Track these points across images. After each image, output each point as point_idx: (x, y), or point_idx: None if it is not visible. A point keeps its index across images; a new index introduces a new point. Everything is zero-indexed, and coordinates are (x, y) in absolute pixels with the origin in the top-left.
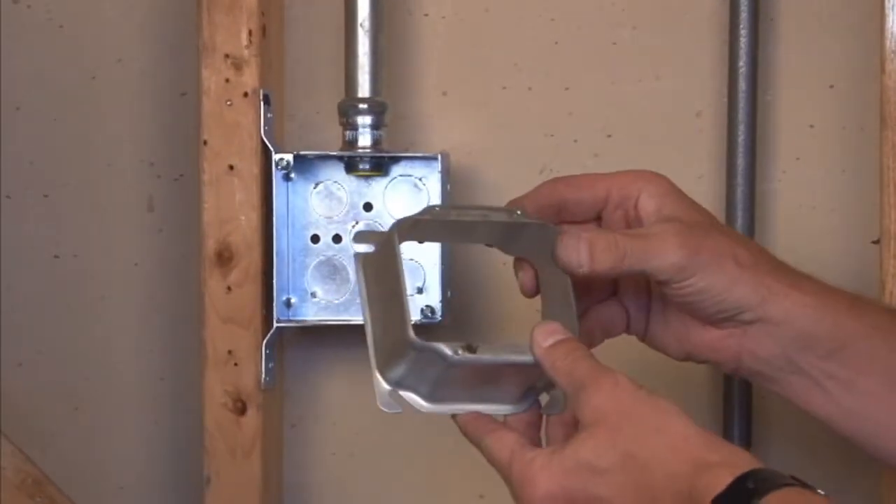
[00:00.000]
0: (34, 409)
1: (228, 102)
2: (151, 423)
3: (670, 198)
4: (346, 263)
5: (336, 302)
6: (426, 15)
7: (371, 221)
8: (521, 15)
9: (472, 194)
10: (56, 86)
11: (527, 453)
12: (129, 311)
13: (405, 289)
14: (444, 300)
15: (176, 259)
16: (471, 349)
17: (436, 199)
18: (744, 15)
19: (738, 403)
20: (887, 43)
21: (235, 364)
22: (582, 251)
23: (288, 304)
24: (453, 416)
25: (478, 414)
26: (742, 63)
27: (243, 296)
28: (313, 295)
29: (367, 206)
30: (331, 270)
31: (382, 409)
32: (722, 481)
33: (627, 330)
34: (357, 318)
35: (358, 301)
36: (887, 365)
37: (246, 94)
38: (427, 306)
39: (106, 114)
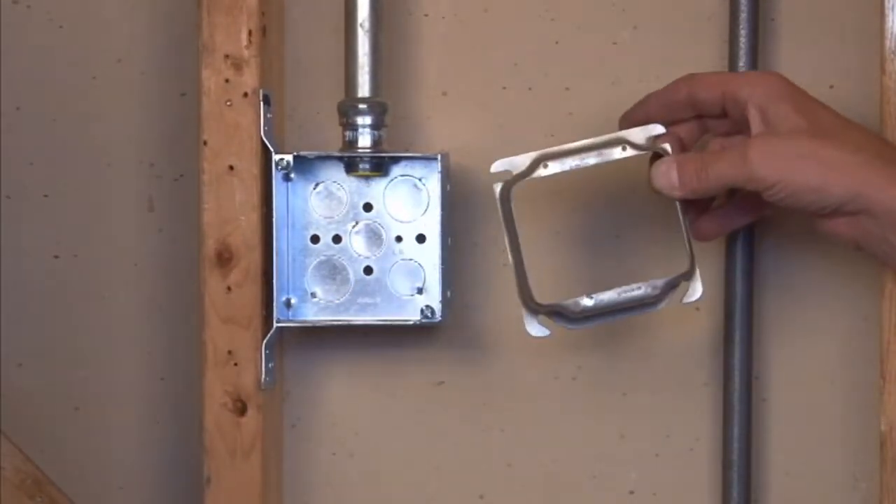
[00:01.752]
0: (34, 409)
1: (228, 103)
2: (151, 423)
3: (775, 105)
4: (345, 263)
5: (336, 302)
6: (426, 15)
7: (371, 222)
8: (521, 15)
9: (472, 194)
10: (56, 86)
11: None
12: (129, 311)
13: (519, 250)
14: (444, 300)
15: (176, 259)
16: (591, 297)
17: (436, 201)
18: (744, 15)
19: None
20: (887, 43)
21: (235, 364)
22: (672, 176)
23: (288, 304)
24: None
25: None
26: (742, 63)
27: (243, 296)
28: (313, 295)
29: (367, 207)
30: (331, 270)
31: (531, 334)
32: None
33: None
34: (356, 319)
35: (358, 301)
36: None
37: (246, 95)
38: (427, 306)
39: (106, 114)
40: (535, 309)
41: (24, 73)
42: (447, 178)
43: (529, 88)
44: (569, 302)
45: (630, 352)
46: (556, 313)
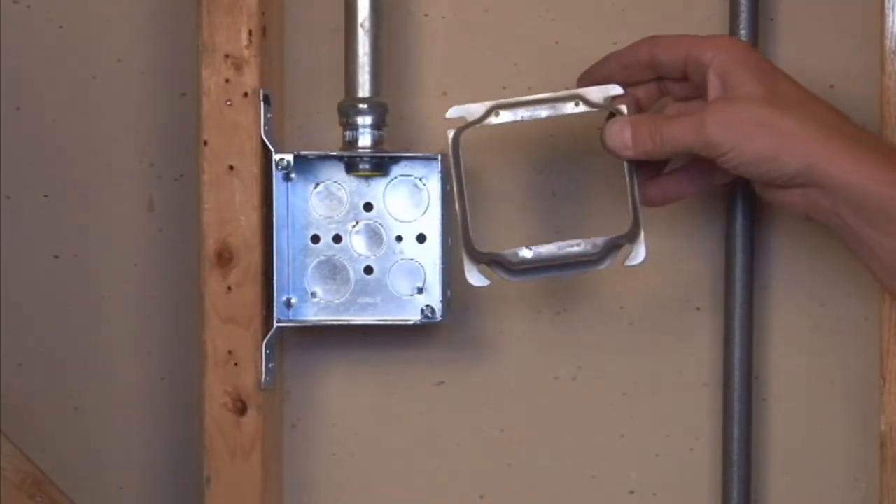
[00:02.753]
0: (34, 409)
1: (228, 102)
2: (151, 423)
3: (736, 71)
4: (346, 263)
5: (336, 302)
6: (426, 15)
7: (371, 222)
8: (521, 15)
9: (471, 195)
10: (56, 86)
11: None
12: (129, 311)
13: (465, 199)
14: (444, 300)
15: (176, 259)
16: (530, 249)
17: (436, 200)
18: (744, 15)
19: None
20: (887, 43)
21: (235, 364)
22: (626, 136)
23: (288, 304)
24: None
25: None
26: None
27: (243, 296)
28: (313, 295)
29: (368, 206)
30: (331, 270)
31: (471, 282)
32: None
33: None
34: (356, 319)
35: (358, 301)
36: None
37: (246, 95)
38: (427, 306)
39: (106, 114)
40: (475, 257)
41: (24, 73)
42: (447, 177)
43: (529, 88)
44: (507, 252)
45: (630, 352)
46: (495, 262)
